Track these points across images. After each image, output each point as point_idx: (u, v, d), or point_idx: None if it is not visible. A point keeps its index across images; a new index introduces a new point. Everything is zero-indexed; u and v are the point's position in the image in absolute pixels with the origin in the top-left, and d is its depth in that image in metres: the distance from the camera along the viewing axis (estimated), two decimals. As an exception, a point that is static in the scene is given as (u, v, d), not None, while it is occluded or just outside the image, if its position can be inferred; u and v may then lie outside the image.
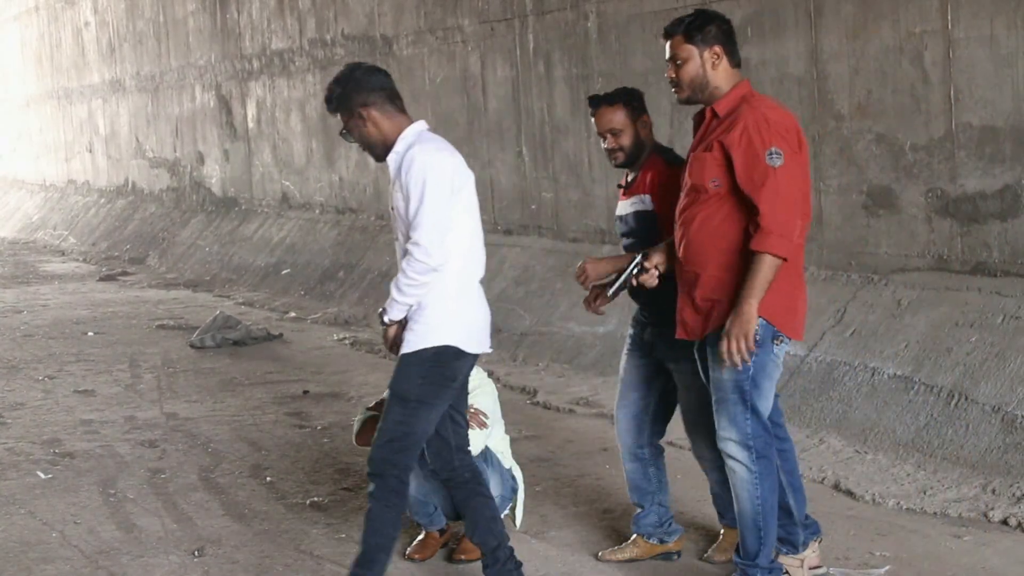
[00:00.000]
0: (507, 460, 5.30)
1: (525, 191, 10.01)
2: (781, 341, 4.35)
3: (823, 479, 5.90)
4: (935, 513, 5.40)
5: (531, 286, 9.42)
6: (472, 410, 5.07)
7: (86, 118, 20.79)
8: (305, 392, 8.42)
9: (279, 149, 14.52)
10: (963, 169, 6.44)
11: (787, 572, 4.62)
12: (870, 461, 6.02)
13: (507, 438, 5.39)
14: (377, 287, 11.23)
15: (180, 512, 5.94)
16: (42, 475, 6.63)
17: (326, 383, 8.68)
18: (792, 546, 4.66)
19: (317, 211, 13.61)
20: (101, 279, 15.16)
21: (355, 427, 5.17)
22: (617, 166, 4.95)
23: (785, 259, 4.21)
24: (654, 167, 4.82)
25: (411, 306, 4.44)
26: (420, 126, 4.58)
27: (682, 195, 4.49)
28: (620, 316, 7.66)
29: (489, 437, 5.16)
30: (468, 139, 10.39)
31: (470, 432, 5.03)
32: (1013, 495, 5.38)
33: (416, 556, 5.18)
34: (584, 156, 9.27)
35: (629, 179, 4.92)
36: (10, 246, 20.07)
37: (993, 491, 5.46)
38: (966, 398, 5.95)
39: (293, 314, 11.67)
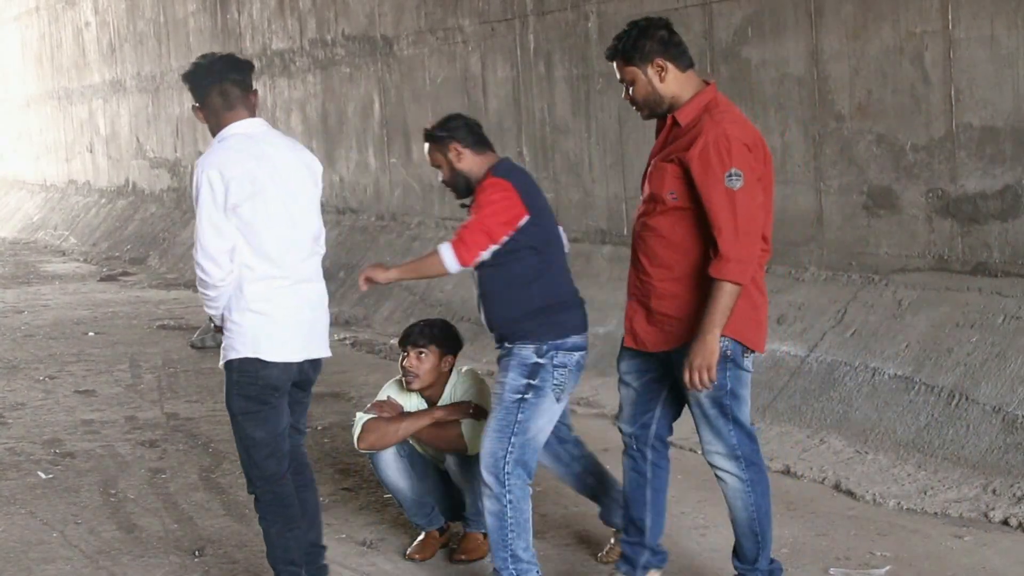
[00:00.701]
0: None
1: (525, 191, 9.99)
2: (750, 352, 4.32)
3: (824, 479, 5.90)
4: (936, 513, 5.40)
5: (531, 286, 9.39)
6: (472, 408, 5.10)
7: (87, 118, 20.79)
8: (305, 392, 8.39)
9: (279, 149, 14.49)
10: (963, 169, 6.44)
11: None
12: (871, 461, 6.02)
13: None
14: (377, 287, 11.21)
15: (181, 512, 5.94)
16: (43, 475, 6.63)
17: (326, 383, 8.64)
18: (631, 566, 4.59)
19: (317, 211, 13.59)
20: (102, 279, 15.15)
21: (355, 432, 5.15)
22: (458, 199, 4.92)
23: (743, 285, 4.14)
24: (480, 185, 4.78)
25: (219, 312, 4.37)
26: (238, 128, 4.40)
27: (641, 201, 4.43)
28: (619, 316, 7.63)
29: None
30: (468, 139, 10.37)
31: (467, 428, 5.04)
32: (1014, 495, 5.38)
33: (416, 556, 5.19)
34: (584, 156, 9.27)
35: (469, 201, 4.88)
36: (11, 246, 20.07)
37: (994, 491, 5.45)
38: (967, 398, 5.95)
39: (293, 314, 11.65)
